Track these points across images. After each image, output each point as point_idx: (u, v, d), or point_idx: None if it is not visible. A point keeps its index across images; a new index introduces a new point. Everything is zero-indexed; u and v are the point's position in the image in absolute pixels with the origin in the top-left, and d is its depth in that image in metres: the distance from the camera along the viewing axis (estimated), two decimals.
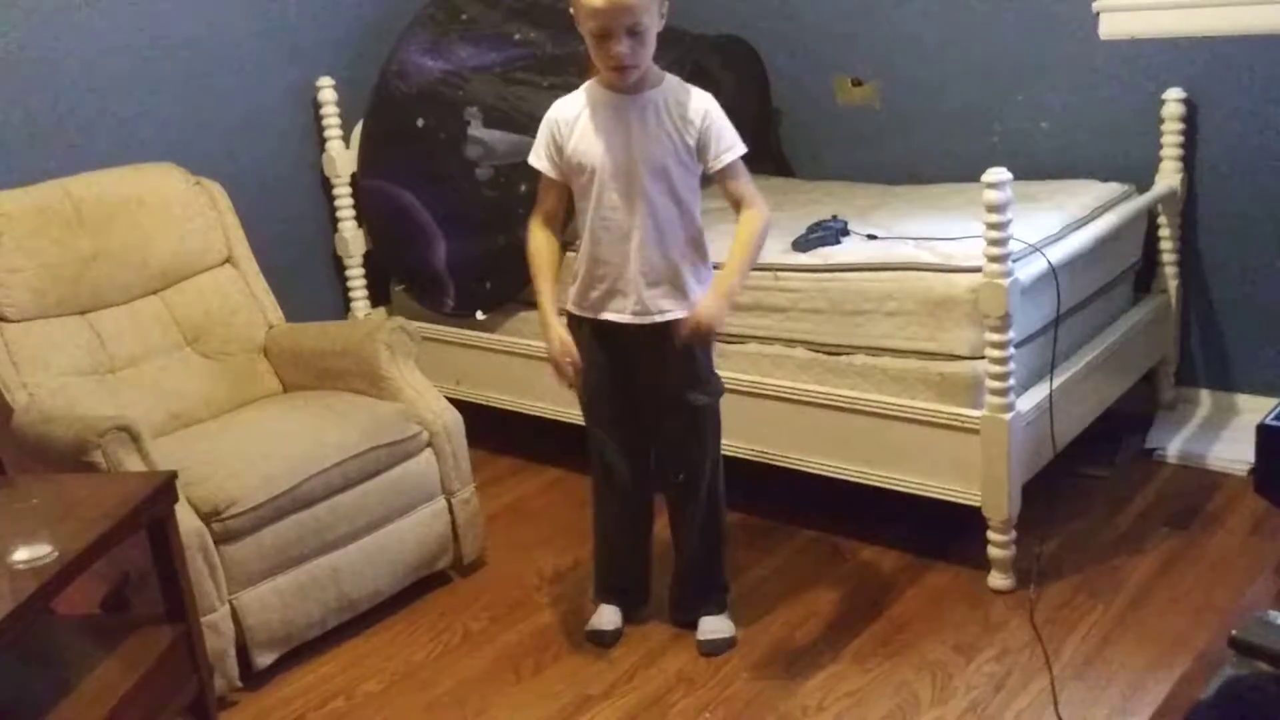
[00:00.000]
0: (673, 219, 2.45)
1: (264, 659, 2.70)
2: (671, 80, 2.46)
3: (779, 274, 3.01)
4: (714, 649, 2.68)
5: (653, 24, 2.34)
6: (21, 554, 2.03)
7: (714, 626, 2.72)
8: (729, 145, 2.43)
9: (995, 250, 2.63)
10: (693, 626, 2.74)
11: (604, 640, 2.75)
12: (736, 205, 2.49)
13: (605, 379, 2.60)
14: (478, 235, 3.62)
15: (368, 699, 2.66)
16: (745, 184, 2.47)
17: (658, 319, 2.49)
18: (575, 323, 2.58)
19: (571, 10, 2.38)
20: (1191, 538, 2.98)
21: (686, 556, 2.74)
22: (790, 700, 2.52)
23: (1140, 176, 3.40)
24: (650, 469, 2.73)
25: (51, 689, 2.18)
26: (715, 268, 2.52)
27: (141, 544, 2.34)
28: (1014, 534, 2.80)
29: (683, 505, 2.68)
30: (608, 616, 2.78)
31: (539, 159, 2.52)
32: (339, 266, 4.02)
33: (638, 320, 2.50)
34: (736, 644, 2.70)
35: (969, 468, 2.77)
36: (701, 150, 2.42)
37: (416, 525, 2.96)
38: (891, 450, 2.89)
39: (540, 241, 2.57)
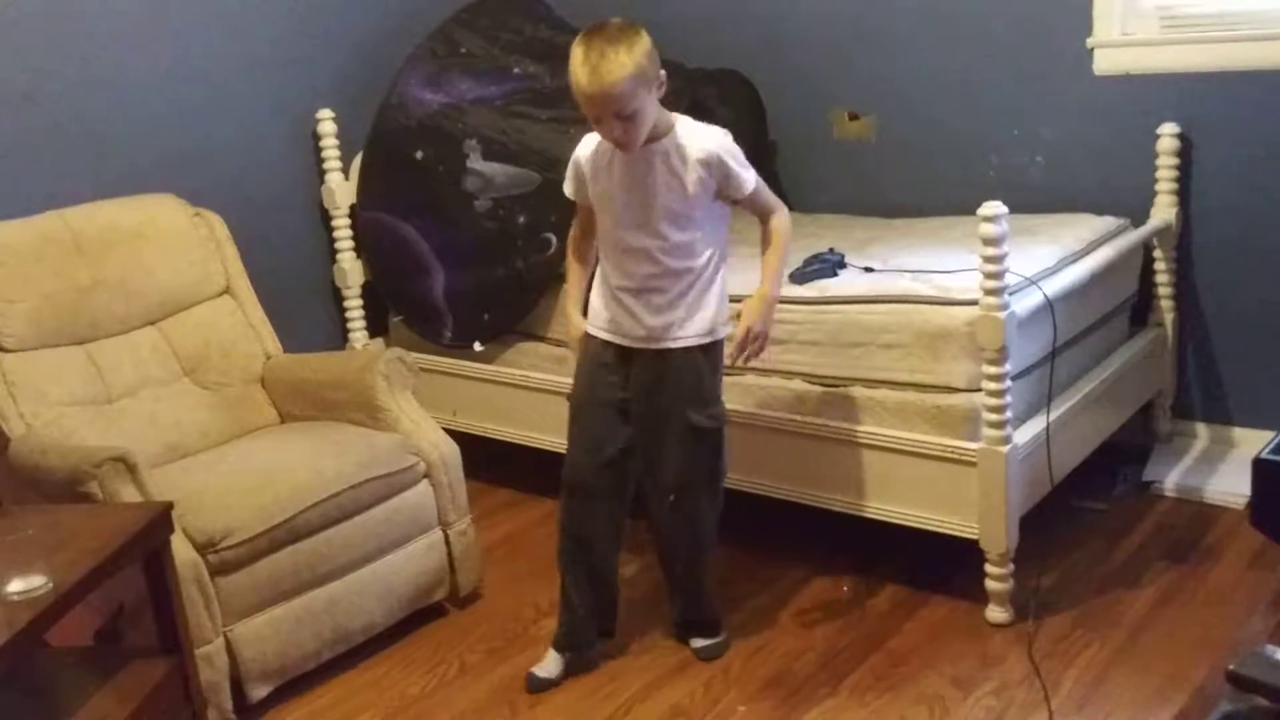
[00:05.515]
0: (682, 253, 2.54)
1: (259, 692, 2.68)
2: (682, 125, 2.54)
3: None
4: (710, 654, 2.79)
5: (644, 103, 2.41)
6: (16, 585, 2.03)
7: (706, 640, 2.82)
8: (743, 179, 2.55)
9: (992, 283, 2.64)
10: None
11: (533, 686, 2.73)
12: (762, 218, 2.65)
13: (607, 397, 2.67)
14: (476, 267, 3.63)
15: None
16: (764, 198, 2.63)
17: (668, 345, 2.58)
18: (586, 338, 2.69)
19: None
20: (1189, 571, 2.98)
21: (674, 583, 2.85)
22: None
23: (1135, 210, 3.42)
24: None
25: None
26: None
27: (137, 575, 2.34)
28: (1012, 567, 2.79)
29: (670, 531, 2.75)
30: (550, 666, 2.77)
31: (570, 189, 2.67)
32: (337, 297, 4.03)
33: (647, 345, 2.59)
34: (729, 645, 2.81)
35: (966, 500, 2.77)
36: (720, 190, 2.54)
37: (413, 557, 2.95)
38: (889, 482, 2.88)
39: (578, 247, 2.75)
